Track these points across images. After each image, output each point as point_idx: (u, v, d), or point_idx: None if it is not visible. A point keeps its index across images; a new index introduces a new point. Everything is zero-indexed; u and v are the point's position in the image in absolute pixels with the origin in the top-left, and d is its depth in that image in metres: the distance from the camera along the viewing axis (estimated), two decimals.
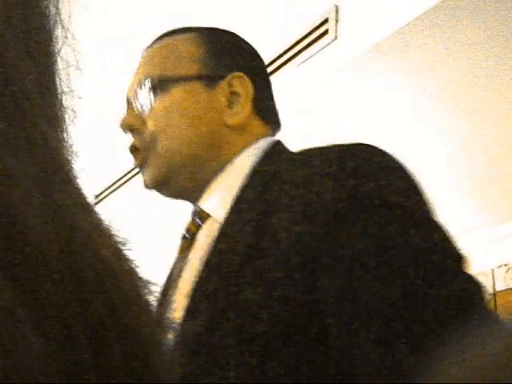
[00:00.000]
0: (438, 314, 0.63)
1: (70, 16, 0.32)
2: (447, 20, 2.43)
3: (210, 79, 0.94)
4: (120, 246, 0.31)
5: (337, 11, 2.72)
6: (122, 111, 0.98)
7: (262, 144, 0.94)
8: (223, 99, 0.93)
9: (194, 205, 0.97)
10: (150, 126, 0.93)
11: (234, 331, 0.73)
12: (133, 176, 4.19)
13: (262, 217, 0.78)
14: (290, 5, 3.07)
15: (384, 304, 0.65)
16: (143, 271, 0.30)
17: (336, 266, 0.70)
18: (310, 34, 2.81)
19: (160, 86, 0.93)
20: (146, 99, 0.93)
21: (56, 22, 0.32)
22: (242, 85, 0.94)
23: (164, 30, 0.99)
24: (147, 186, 0.96)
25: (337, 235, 0.71)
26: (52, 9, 0.31)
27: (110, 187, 4.49)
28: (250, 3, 3.40)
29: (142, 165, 0.96)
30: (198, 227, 0.92)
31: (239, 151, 0.93)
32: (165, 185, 0.95)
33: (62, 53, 0.32)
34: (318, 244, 0.72)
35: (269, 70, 3.08)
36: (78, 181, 0.30)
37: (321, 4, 2.83)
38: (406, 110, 2.31)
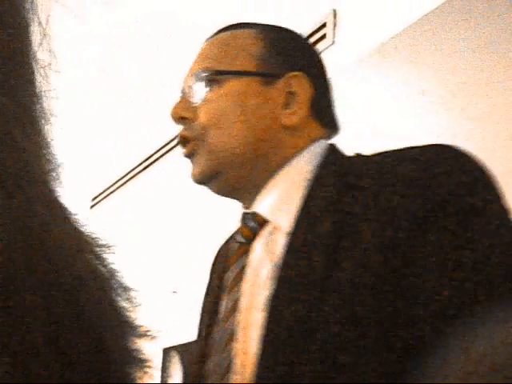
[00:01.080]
0: None
1: (48, 16, 0.31)
2: (444, 25, 2.44)
3: (268, 76, 0.92)
4: (101, 250, 0.30)
5: (335, 16, 2.72)
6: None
7: (319, 148, 0.91)
8: (280, 98, 0.91)
9: (244, 206, 0.94)
10: (203, 117, 0.91)
11: (321, 353, 0.71)
12: (129, 179, 4.19)
13: (339, 227, 0.76)
14: (288, 9, 3.08)
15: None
16: (125, 276, 0.30)
17: (425, 268, 0.69)
18: (307, 38, 2.81)
19: (216, 78, 0.91)
20: (201, 91, 0.92)
21: (32, 20, 0.31)
22: (300, 85, 0.92)
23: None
24: (195, 179, 0.93)
25: (424, 238, 0.70)
26: (27, 7, 0.30)
27: (107, 189, 4.49)
28: (247, 8, 3.40)
29: (190, 156, 0.93)
30: (255, 232, 0.88)
31: (294, 153, 0.90)
32: (213, 179, 0.91)
33: (39, 53, 0.31)
34: (404, 248, 0.70)
35: None
36: (54, 187, 0.30)
37: (319, 9, 2.83)
38: (404, 114, 2.31)
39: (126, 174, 4.25)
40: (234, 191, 0.93)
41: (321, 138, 0.94)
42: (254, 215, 0.89)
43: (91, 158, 4.99)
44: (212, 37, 0.99)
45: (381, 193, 0.75)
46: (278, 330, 0.75)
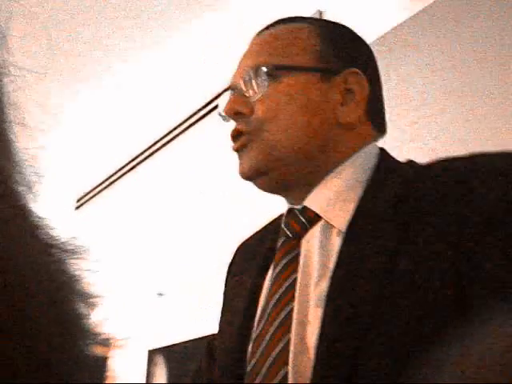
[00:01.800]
0: None
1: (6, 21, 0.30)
2: (430, 26, 2.45)
3: (326, 72, 0.90)
4: (67, 255, 0.29)
5: (320, 17, 2.73)
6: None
7: (373, 150, 0.91)
8: (337, 95, 0.89)
9: (290, 203, 0.92)
10: (259, 112, 0.89)
11: (379, 350, 0.70)
12: (115, 180, 4.17)
13: (400, 230, 0.75)
14: (273, 11, 3.07)
15: None
16: (92, 281, 0.29)
17: (486, 267, 0.69)
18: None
19: (274, 73, 0.89)
20: (258, 85, 0.89)
21: None
22: (358, 82, 0.90)
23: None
24: (243, 174, 0.91)
25: (490, 236, 0.70)
26: None
27: (93, 190, 4.46)
28: (229, 9, 3.40)
29: (241, 150, 0.91)
30: (305, 228, 0.87)
31: (349, 153, 0.89)
32: (263, 175, 0.89)
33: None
34: (470, 246, 0.70)
35: None
36: (17, 190, 0.29)
37: (303, 10, 2.83)
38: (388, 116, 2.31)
39: (113, 175, 4.23)
40: (283, 188, 0.91)
41: (373, 139, 0.93)
42: (305, 210, 0.88)
43: (77, 159, 4.96)
44: (265, 30, 0.97)
45: (445, 197, 0.74)
46: (335, 327, 0.74)
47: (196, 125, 3.43)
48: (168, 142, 3.64)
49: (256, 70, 0.90)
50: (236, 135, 0.92)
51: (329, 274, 0.78)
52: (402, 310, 0.71)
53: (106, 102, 4.18)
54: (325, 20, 0.98)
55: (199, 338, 6.76)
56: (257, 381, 0.79)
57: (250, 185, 0.94)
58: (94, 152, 4.63)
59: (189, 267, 5.45)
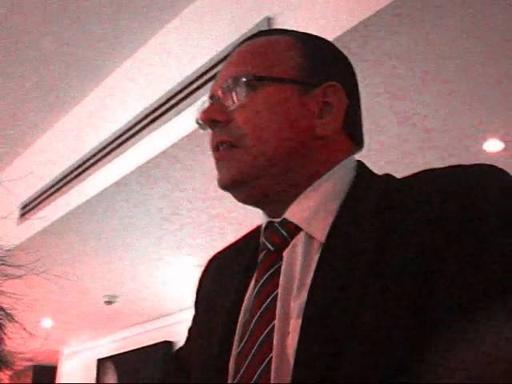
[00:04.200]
0: None
1: None
2: (380, 32, 2.48)
3: (305, 85, 0.90)
4: None
5: (269, 24, 2.74)
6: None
7: (351, 163, 0.91)
8: (315, 107, 0.90)
9: (268, 215, 0.92)
10: (239, 122, 0.89)
11: (356, 359, 0.72)
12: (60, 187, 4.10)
13: (378, 240, 0.76)
14: (221, 18, 3.08)
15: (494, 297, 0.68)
16: None
17: (454, 275, 0.71)
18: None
19: (253, 83, 0.89)
20: (236, 95, 0.90)
21: None
22: (337, 96, 0.90)
23: None
24: (224, 184, 0.91)
25: (451, 251, 0.72)
26: None
27: (39, 197, 4.39)
28: (180, 13, 3.39)
29: (222, 159, 0.91)
30: (285, 240, 0.87)
31: (327, 166, 0.89)
32: (243, 186, 0.89)
33: None
34: (440, 253, 0.72)
35: (200, 81, 3.08)
36: None
37: (252, 16, 2.84)
38: None
39: (60, 180, 4.16)
40: (262, 199, 0.91)
41: (350, 152, 0.94)
42: (286, 223, 0.88)
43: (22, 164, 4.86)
44: (248, 40, 0.98)
45: (418, 207, 0.77)
46: (313, 337, 0.75)
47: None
48: (117, 146, 3.60)
49: (235, 79, 0.91)
50: (218, 145, 0.92)
51: (308, 285, 0.79)
52: (375, 322, 0.72)
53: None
54: (306, 34, 0.98)
55: (149, 346, 6.70)
56: None
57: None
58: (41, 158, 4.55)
59: (138, 274, 5.40)
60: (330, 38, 2.39)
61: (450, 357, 0.68)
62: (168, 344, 6.31)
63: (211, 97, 0.95)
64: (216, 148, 0.92)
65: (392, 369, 0.70)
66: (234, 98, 0.90)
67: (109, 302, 5.96)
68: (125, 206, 3.92)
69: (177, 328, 6.28)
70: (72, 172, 4.03)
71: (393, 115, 2.99)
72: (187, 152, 3.18)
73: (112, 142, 3.64)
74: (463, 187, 0.76)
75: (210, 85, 3.00)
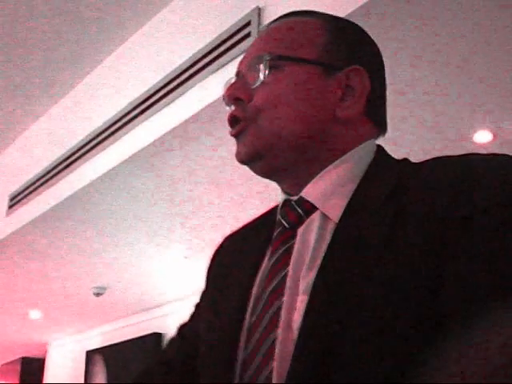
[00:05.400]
0: None
1: None
2: (368, 23, 2.47)
3: (329, 67, 0.91)
4: None
5: (259, 14, 2.73)
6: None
7: (370, 147, 0.92)
8: (338, 90, 0.90)
9: (285, 190, 0.94)
10: (258, 99, 0.90)
11: (361, 338, 0.73)
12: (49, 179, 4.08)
13: (389, 226, 0.77)
14: (211, 8, 3.06)
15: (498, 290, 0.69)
16: None
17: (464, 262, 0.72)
18: (231, 36, 2.80)
19: (277, 63, 0.90)
20: (260, 73, 0.91)
21: None
22: (360, 80, 0.91)
23: None
24: (240, 158, 0.93)
25: (467, 238, 0.73)
26: None
27: (28, 188, 4.36)
28: (171, 4, 3.37)
29: (238, 135, 0.92)
30: (301, 219, 0.88)
31: (347, 148, 0.91)
32: (258, 160, 0.91)
33: None
34: (452, 241, 0.73)
35: (189, 72, 3.06)
36: None
37: (243, 6, 2.83)
38: None
39: (48, 172, 4.13)
40: (277, 174, 0.93)
41: (371, 136, 0.94)
42: (302, 201, 0.89)
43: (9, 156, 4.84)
44: (276, 21, 0.98)
45: (433, 194, 0.77)
46: (317, 314, 0.76)
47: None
48: (107, 137, 3.59)
49: (259, 57, 0.92)
50: (233, 120, 0.93)
51: (319, 263, 0.80)
52: (382, 305, 0.73)
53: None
54: (336, 17, 0.99)
55: (137, 338, 6.70)
56: (250, 371, 0.81)
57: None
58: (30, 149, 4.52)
59: (127, 266, 5.39)
60: None
61: (458, 353, 0.68)
62: (157, 336, 6.31)
63: (237, 74, 0.96)
64: (232, 124, 0.93)
65: (396, 354, 0.71)
66: (257, 77, 0.91)
67: (97, 294, 5.95)
68: (113, 198, 3.91)
69: (166, 320, 6.28)
70: (61, 163, 4.01)
71: None
72: (177, 143, 3.17)
73: (101, 132, 3.62)
74: (479, 176, 0.76)
75: (200, 75, 2.99)
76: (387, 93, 1.00)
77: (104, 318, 7.00)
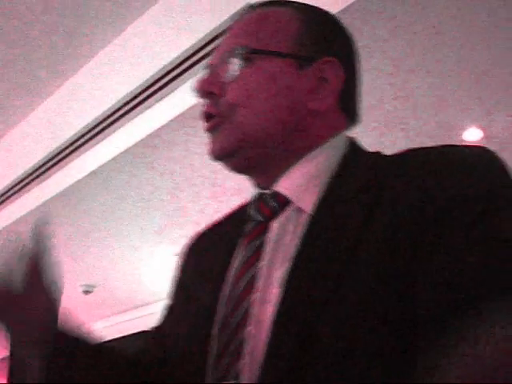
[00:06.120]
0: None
1: None
2: (361, 18, 2.47)
3: (303, 59, 0.90)
4: None
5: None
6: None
7: (343, 139, 0.92)
8: (311, 82, 0.89)
9: (258, 185, 0.93)
10: (231, 94, 0.89)
11: (335, 332, 0.72)
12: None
13: (365, 218, 0.77)
14: (200, 4, 3.05)
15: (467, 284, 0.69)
16: None
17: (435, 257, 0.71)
18: (223, 32, 2.78)
19: (249, 56, 0.89)
20: (232, 67, 0.89)
21: None
22: (333, 71, 0.90)
23: None
24: (214, 154, 0.92)
25: (442, 230, 0.72)
26: None
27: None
28: (157, 5, 3.36)
29: (212, 131, 0.91)
30: (275, 212, 0.87)
31: (320, 141, 0.90)
32: (232, 156, 0.90)
33: None
34: (426, 233, 0.72)
35: (182, 67, 3.05)
36: None
37: (234, 2, 2.82)
38: None
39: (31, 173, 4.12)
40: (251, 169, 0.92)
41: (344, 128, 0.93)
42: (276, 195, 0.88)
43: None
44: (248, 12, 0.96)
45: (407, 186, 0.77)
46: (291, 307, 0.75)
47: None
48: (96, 134, 3.57)
49: (231, 51, 0.90)
50: (207, 116, 0.92)
51: (292, 256, 0.80)
52: (356, 296, 0.72)
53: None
54: (308, 5, 0.97)
55: (127, 336, 6.69)
56: (222, 366, 0.80)
57: None
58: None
59: (117, 264, 5.38)
60: None
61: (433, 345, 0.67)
62: None
63: (209, 67, 0.95)
64: (206, 119, 0.92)
65: (370, 348, 0.70)
66: (229, 71, 0.90)
67: (86, 292, 5.93)
68: (103, 195, 3.90)
69: (155, 318, 6.25)
70: (47, 162, 3.99)
71: (370, 105, 2.99)
72: (169, 139, 3.16)
73: (90, 130, 3.61)
74: (453, 167, 0.76)
75: (192, 70, 2.98)
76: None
77: (93, 316, 6.98)
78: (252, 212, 0.91)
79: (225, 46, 0.94)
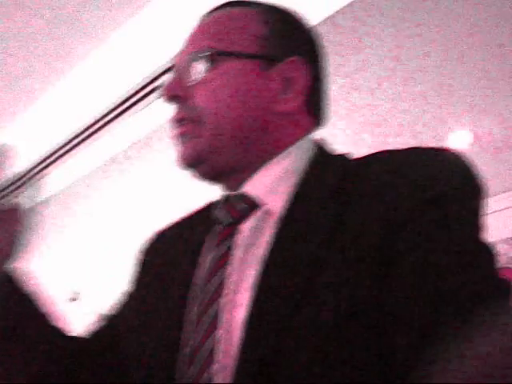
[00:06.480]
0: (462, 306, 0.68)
1: None
2: (358, 20, 2.48)
3: (268, 60, 0.89)
4: None
5: None
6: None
7: (311, 140, 0.91)
8: (277, 83, 0.89)
9: (227, 190, 0.92)
10: (198, 98, 0.88)
11: (307, 335, 0.72)
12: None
13: (335, 220, 0.77)
14: (190, 6, 3.05)
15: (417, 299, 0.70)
16: None
17: (403, 267, 0.71)
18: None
19: (214, 58, 0.88)
20: (198, 70, 0.88)
21: None
22: (299, 71, 0.90)
23: None
24: (184, 162, 0.90)
25: (410, 230, 0.73)
26: None
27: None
28: (149, 6, 3.34)
29: (181, 137, 0.90)
30: (243, 214, 0.87)
31: (288, 142, 0.89)
32: (203, 162, 0.89)
33: None
34: (396, 235, 0.73)
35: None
36: None
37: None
38: None
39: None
40: (221, 175, 0.91)
41: (311, 129, 0.93)
42: (243, 197, 0.87)
43: None
44: (211, 13, 0.95)
45: (376, 189, 0.77)
46: (264, 311, 0.75)
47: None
48: (83, 139, 3.56)
49: (195, 53, 0.89)
50: (177, 121, 0.91)
51: (262, 259, 0.79)
52: (329, 299, 0.72)
53: None
54: (272, 5, 0.95)
55: None
56: (192, 372, 0.79)
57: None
58: None
59: (103, 271, 5.35)
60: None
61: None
62: None
63: (175, 70, 0.93)
64: (176, 124, 0.91)
65: (344, 347, 0.70)
66: (194, 74, 0.89)
67: (73, 299, 5.90)
68: (88, 201, 3.88)
69: None
70: (34, 167, 3.99)
71: (354, 106, 2.99)
72: (156, 145, 3.15)
73: (78, 135, 3.61)
74: (420, 170, 0.76)
75: None
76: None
77: (79, 323, 6.94)
78: (219, 214, 0.89)
79: (189, 47, 0.92)
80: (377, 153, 0.85)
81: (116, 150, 3.35)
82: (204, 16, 0.96)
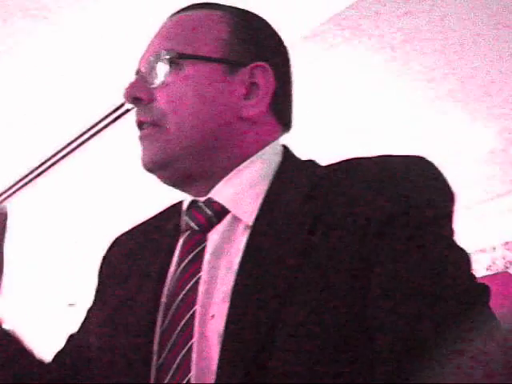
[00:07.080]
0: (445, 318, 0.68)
1: None
2: (359, 22, 2.48)
3: (232, 64, 0.88)
4: None
5: None
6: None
7: (278, 146, 0.90)
8: (242, 88, 0.88)
9: (194, 194, 0.89)
10: (161, 101, 0.86)
11: (284, 347, 0.72)
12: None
13: (309, 228, 0.76)
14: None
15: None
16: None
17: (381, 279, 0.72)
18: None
19: (177, 61, 0.86)
20: (160, 73, 0.86)
21: None
22: (264, 76, 0.88)
23: None
24: (146, 166, 0.88)
25: (380, 247, 0.73)
26: None
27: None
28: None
29: (143, 140, 0.88)
30: (211, 221, 0.85)
31: (254, 148, 0.88)
32: (166, 167, 0.87)
33: None
34: (369, 245, 0.73)
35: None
36: None
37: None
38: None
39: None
40: (185, 181, 0.89)
41: (277, 135, 0.92)
42: (211, 203, 0.86)
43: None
44: (175, 15, 0.94)
45: (348, 197, 0.77)
46: (241, 321, 0.74)
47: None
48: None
49: (158, 55, 0.87)
50: (139, 124, 0.89)
51: (235, 268, 0.78)
52: (305, 308, 0.72)
53: None
54: (237, 8, 0.95)
55: None
56: (164, 378, 0.78)
57: None
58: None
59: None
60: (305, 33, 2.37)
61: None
62: None
63: (137, 72, 0.92)
64: (139, 127, 0.89)
65: (322, 358, 0.70)
66: (157, 76, 0.87)
67: (72, 305, 5.89)
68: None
69: None
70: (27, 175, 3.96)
71: (342, 111, 2.99)
72: None
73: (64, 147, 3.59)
74: (392, 180, 0.76)
75: None
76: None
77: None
78: (186, 220, 0.88)
79: (152, 49, 0.90)
80: (346, 160, 0.84)
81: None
82: (168, 18, 0.95)
